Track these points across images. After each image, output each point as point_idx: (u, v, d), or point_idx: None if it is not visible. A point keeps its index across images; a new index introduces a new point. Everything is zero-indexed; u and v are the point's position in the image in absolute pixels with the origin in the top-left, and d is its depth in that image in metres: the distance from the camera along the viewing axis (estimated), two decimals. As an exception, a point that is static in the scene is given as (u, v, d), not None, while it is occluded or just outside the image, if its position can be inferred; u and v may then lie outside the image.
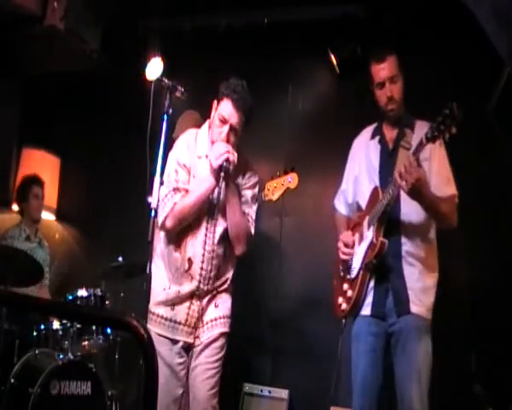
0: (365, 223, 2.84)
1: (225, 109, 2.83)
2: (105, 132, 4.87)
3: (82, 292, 3.75)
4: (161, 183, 2.75)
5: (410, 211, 2.74)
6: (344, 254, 2.92)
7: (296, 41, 4.41)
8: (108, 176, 4.85)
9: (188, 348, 2.90)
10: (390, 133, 2.89)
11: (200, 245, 2.87)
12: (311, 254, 4.25)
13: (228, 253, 2.96)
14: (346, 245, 2.92)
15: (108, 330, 3.77)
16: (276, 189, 3.23)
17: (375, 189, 2.82)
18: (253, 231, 2.98)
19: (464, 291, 3.20)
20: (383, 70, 2.80)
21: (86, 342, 3.74)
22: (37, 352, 3.53)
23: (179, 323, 2.87)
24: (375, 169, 2.88)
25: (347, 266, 2.89)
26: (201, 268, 2.87)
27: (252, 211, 2.99)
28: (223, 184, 2.79)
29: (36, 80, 5.03)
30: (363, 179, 2.94)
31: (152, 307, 2.88)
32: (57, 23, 4.16)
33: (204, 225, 2.88)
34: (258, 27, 4.43)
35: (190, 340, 2.87)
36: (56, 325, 3.70)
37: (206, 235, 2.88)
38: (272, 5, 4.43)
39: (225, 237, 2.92)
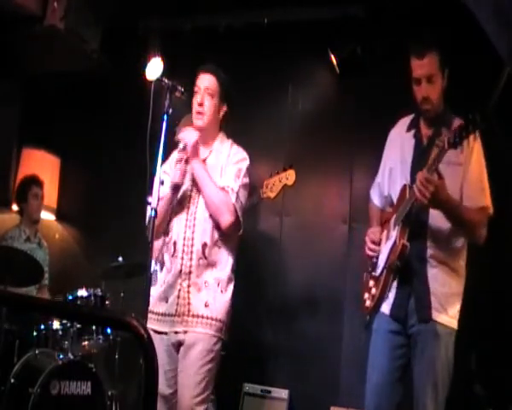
0: (392, 221, 2.76)
1: (197, 80, 2.96)
2: (105, 132, 4.87)
3: (82, 292, 3.76)
4: (161, 183, 2.76)
5: (439, 214, 2.61)
6: (370, 250, 2.84)
7: (296, 41, 4.41)
8: (108, 176, 4.85)
9: (179, 346, 2.85)
10: (426, 130, 2.79)
11: (183, 224, 2.88)
12: (311, 254, 4.25)
13: (218, 235, 2.90)
14: (372, 242, 2.84)
15: (108, 330, 3.78)
16: (273, 186, 3.25)
17: (404, 186, 2.72)
18: (233, 200, 2.88)
19: (464, 291, 3.18)
20: (421, 67, 2.67)
21: (86, 342, 3.74)
22: (37, 352, 3.53)
23: (172, 315, 2.84)
24: (408, 164, 2.78)
25: (374, 262, 2.83)
26: (184, 245, 2.85)
27: (234, 185, 2.91)
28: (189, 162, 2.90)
29: (36, 80, 5.03)
30: (396, 173, 2.84)
31: (151, 305, 2.85)
32: (57, 23, 4.16)
33: (186, 207, 2.91)
34: (258, 27, 4.43)
35: (181, 328, 2.82)
36: (56, 325, 3.70)
37: (187, 213, 2.90)
38: (272, 5, 4.42)
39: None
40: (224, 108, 3.01)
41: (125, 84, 4.57)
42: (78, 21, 4.29)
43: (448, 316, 2.64)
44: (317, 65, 4.47)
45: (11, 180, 4.94)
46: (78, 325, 3.63)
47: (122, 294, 3.97)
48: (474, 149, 2.66)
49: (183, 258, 2.85)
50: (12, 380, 3.38)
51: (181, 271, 2.84)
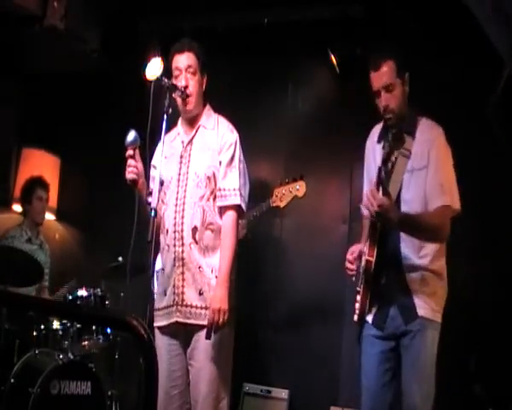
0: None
1: (175, 62, 2.88)
2: (105, 132, 4.86)
3: (82, 292, 3.76)
4: (161, 183, 2.75)
5: None
6: (348, 269, 2.84)
7: (296, 41, 4.41)
8: (108, 176, 4.84)
9: (184, 341, 2.80)
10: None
11: (173, 210, 2.82)
12: (311, 254, 4.25)
13: (211, 219, 2.81)
14: (349, 261, 2.83)
15: (108, 330, 3.78)
16: (284, 196, 3.28)
17: None
18: (239, 201, 2.80)
19: (464, 291, 3.19)
20: (378, 79, 2.69)
21: (86, 342, 3.74)
22: (37, 352, 3.53)
23: (170, 306, 2.78)
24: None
25: (357, 277, 2.82)
26: (174, 231, 2.79)
27: (235, 183, 2.80)
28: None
29: (36, 80, 5.03)
30: (372, 185, 2.79)
31: (155, 304, 2.85)
32: (57, 23, 4.16)
33: (174, 192, 2.85)
34: (258, 27, 4.43)
35: (174, 319, 2.77)
36: (56, 325, 3.70)
37: (177, 198, 2.83)
38: (272, 5, 4.42)
39: (204, 198, 2.81)
40: (205, 79, 2.95)
41: (124, 84, 4.57)
42: (78, 21, 4.30)
43: (431, 310, 2.64)
44: (317, 65, 4.47)
45: (11, 180, 4.94)
46: (78, 325, 3.63)
47: (122, 294, 3.96)
48: (434, 146, 2.64)
49: (175, 245, 2.78)
50: (12, 380, 3.38)
51: (174, 258, 2.78)
